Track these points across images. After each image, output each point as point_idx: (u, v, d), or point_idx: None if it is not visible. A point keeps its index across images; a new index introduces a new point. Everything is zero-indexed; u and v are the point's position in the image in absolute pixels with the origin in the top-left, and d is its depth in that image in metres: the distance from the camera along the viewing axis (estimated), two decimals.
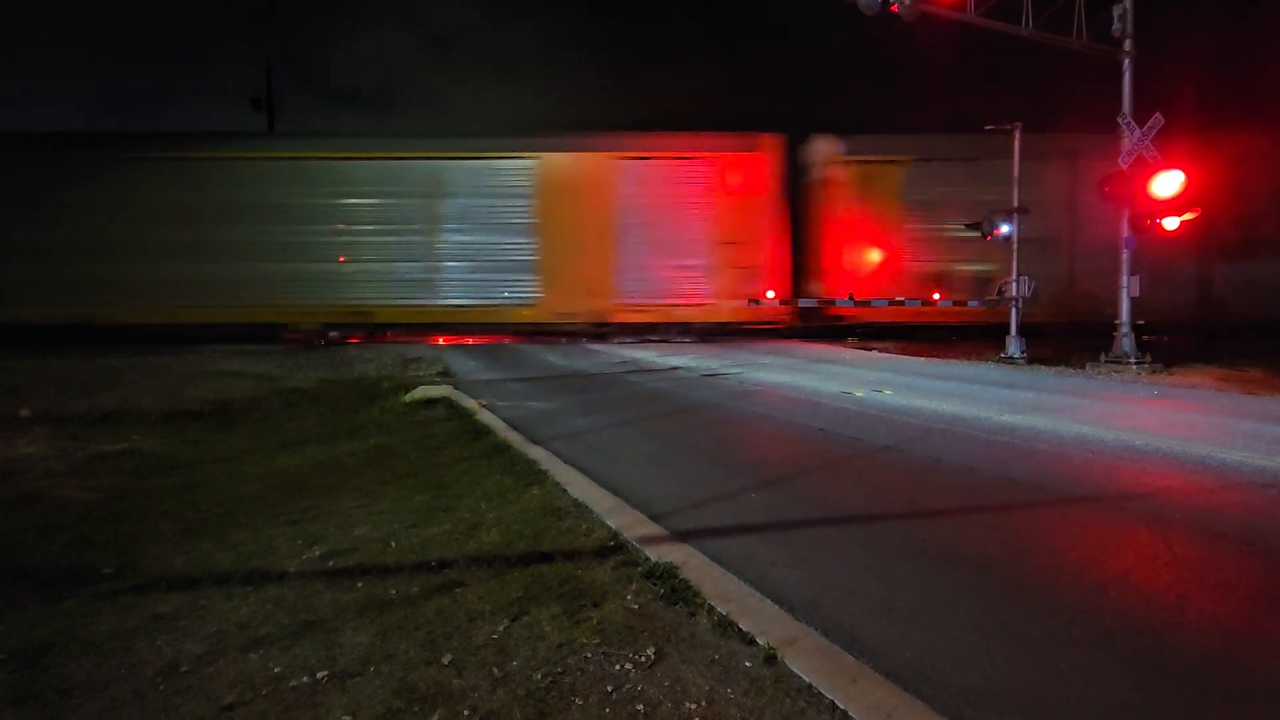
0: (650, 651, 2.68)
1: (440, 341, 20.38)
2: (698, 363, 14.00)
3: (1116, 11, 13.06)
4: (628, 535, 3.90)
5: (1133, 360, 12.72)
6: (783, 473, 5.53)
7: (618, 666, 2.59)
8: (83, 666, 2.71)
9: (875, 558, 3.68)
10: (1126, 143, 12.69)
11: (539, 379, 11.86)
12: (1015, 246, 15.69)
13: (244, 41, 72.45)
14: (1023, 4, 12.90)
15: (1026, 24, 12.97)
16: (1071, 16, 13.07)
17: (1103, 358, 13.14)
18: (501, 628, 2.89)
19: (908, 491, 4.96)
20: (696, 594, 3.12)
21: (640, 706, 2.34)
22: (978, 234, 16.21)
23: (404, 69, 72.63)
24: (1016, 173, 15.80)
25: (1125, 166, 12.63)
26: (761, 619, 2.90)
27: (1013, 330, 15.27)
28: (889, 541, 3.92)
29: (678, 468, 5.74)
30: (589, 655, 2.67)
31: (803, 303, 20.40)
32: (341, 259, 20.67)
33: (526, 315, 20.92)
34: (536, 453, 5.98)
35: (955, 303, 19.46)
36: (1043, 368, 13.31)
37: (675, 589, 3.18)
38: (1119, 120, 12.86)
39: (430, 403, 8.91)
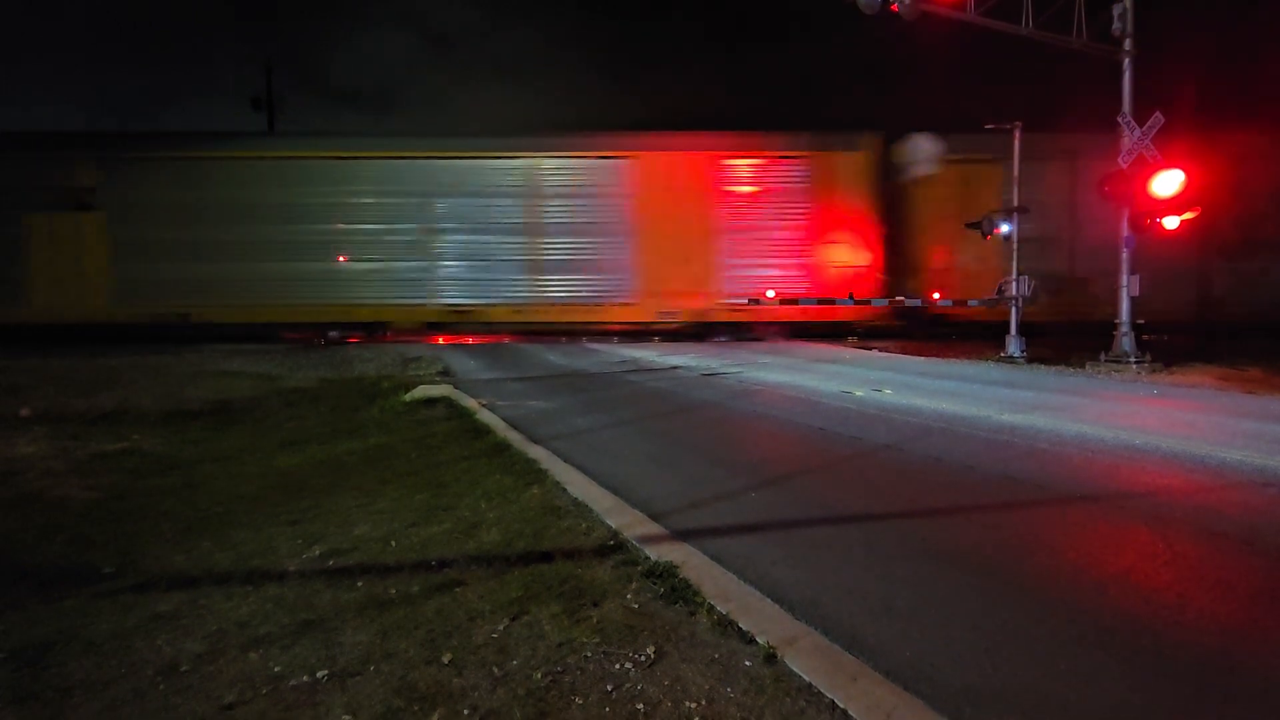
0: (650, 650, 2.68)
1: (440, 340, 20.43)
2: (698, 362, 14.00)
3: (1116, 11, 13.06)
4: (628, 534, 3.89)
5: (1133, 359, 12.72)
6: (783, 472, 5.53)
7: (618, 665, 2.59)
8: (83, 666, 2.71)
9: (875, 557, 3.68)
10: (1126, 142, 12.69)
11: (539, 378, 11.86)
12: (1015, 246, 15.70)
13: (244, 41, 72.47)
14: (1023, 3, 12.89)
15: (1026, 23, 12.97)
16: (1071, 16, 13.07)
17: (1103, 357, 13.14)
18: (501, 627, 2.90)
19: (908, 491, 4.96)
20: (696, 593, 3.12)
21: (640, 705, 2.34)
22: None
23: (404, 69, 72.69)
24: (1017, 172, 15.80)
25: (1125, 166, 12.63)
26: (761, 618, 2.90)
27: (1012, 329, 15.27)
28: (889, 540, 3.92)
29: (678, 467, 5.74)
30: (589, 654, 2.67)
31: (909, 302, 20.00)
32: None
33: (626, 315, 20.96)
34: (536, 452, 5.98)
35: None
36: (1042, 367, 13.31)
37: (675, 588, 3.18)
38: (1119, 120, 12.86)
39: (430, 402, 8.91)
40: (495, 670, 2.57)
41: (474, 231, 20.79)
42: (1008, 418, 7.59)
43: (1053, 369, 13.00)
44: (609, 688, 2.45)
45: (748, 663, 2.58)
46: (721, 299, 20.63)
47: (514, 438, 6.57)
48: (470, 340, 20.50)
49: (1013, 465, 5.60)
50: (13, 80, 63.28)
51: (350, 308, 20.63)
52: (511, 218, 20.77)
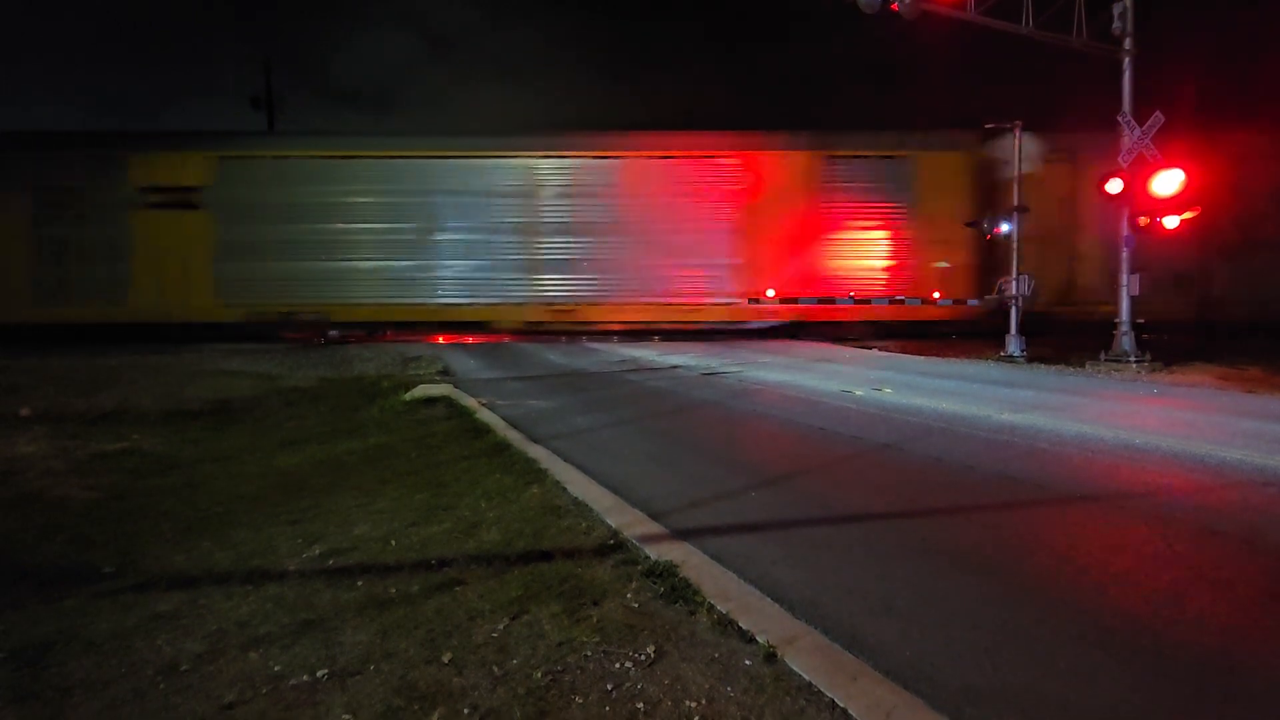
0: (650, 650, 2.68)
1: (440, 340, 20.46)
2: (697, 361, 14.00)
3: (1116, 10, 13.06)
4: (628, 534, 3.89)
5: (1133, 359, 12.72)
6: (782, 471, 5.53)
7: (618, 665, 2.59)
8: (83, 665, 2.71)
9: (875, 556, 3.68)
10: (1126, 141, 12.69)
11: (538, 377, 11.86)
12: (1016, 245, 15.69)
13: (244, 41, 72.43)
14: (1023, 3, 12.89)
15: (1027, 23, 12.96)
16: (1071, 15, 13.06)
17: (1103, 356, 13.14)
18: (501, 626, 2.89)
19: (908, 490, 4.96)
20: (696, 592, 3.12)
21: (640, 705, 2.34)
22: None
23: (404, 69, 72.65)
24: (1018, 171, 15.79)
25: (1125, 165, 12.62)
26: (761, 617, 2.90)
27: (1012, 329, 15.27)
28: (889, 540, 3.92)
29: (677, 466, 5.74)
30: (589, 653, 2.67)
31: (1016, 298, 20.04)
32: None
33: (730, 314, 21.05)
34: (536, 451, 5.98)
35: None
36: (1042, 366, 13.31)
37: (675, 587, 3.18)
38: (1119, 119, 12.86)
39: (430, 401, 8.91)
40: (495, 669, 2.57)
41: (577, 233, 20.98)
42: (1008, 417, 7.59)
43: (1053, 368, 13.00)
44: (609, 687, 2.45)
45: (748, 662, 2.58)
46: (826, 298, 20.74)
47: (514, 437, 6.57)
48: (470, 340, 20.52)
49: (1013, 465, 5.60)
50: (13, 80, 63.28)
51: (453, 308, 20.83)
52: (600, 217, 20.97)
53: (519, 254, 20.94)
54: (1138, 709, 2.34)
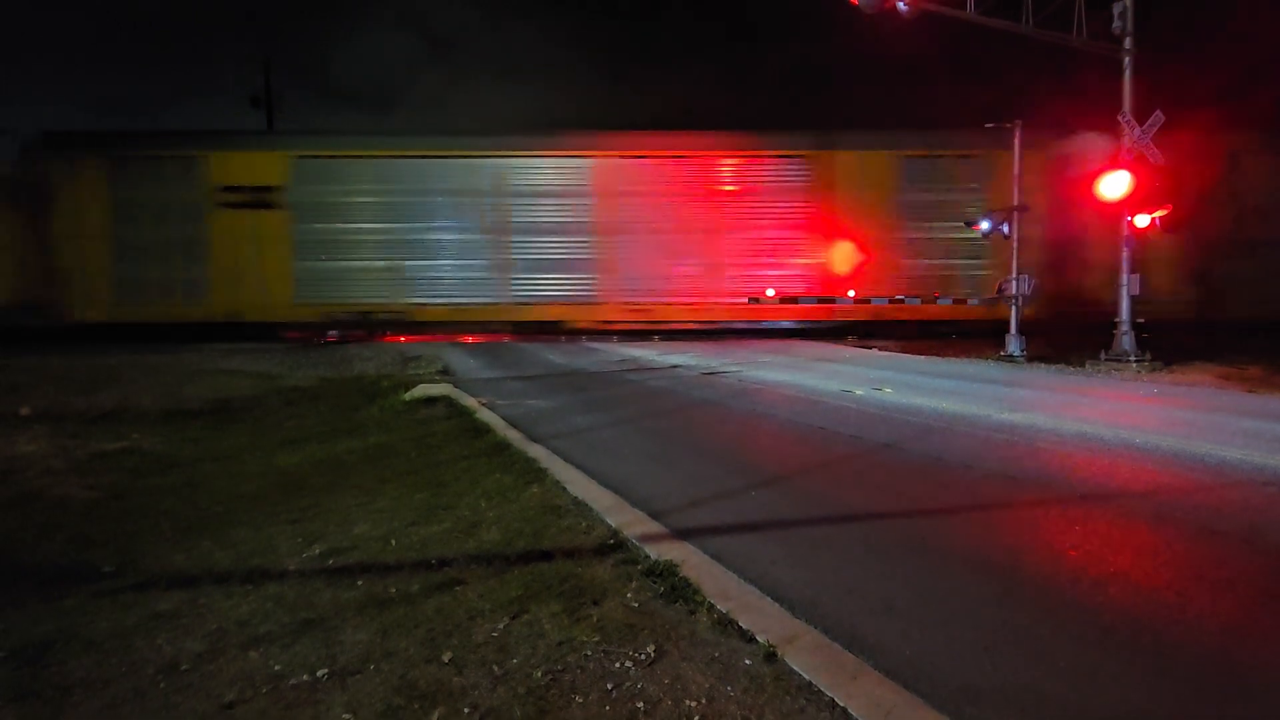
0: (650, 649, 2.68)
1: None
2: (698, 361, 14.00)
3: (1117, 9, 13.04)
4: (628, 533, 3.89)
5: (1133, 358, 12.72)
6: (782, 471, 5.53)
7: (618, 664, 2.59)
8: (83, 664, 2.71)
9: (875, 556, 3.68)
10: (1127, 140, 12.69)
11: (538, 377, 11.86)
12: (1015, 245, 15.69)
13: (244, 41, 72.44)
14: (1023, 2, 12.88)
15: (1026, 21, 12.95)
16: (1072, 15, 13.05)
17: (1103, 355, 13.14)
18: (501, 625, 2.89)
19: (908, 490, 4.96)
20: (696, 592, 3.12)
21: (640, 704, 2.34)
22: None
23: (405, 68, 72.62)
24: (1018, 170, 15.78)
25: (1111, 165, 12.65)
26: (761, 617, 2.90)
27: (1012, 328, 15.26)
28: (889, 539, 3.92)
29: (677, 466, 5.74)
30: (589, 653, 2.67)
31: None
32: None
33: (799, 313, 21.16)
34: (536, 451, 5.98)
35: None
36: (1042, 365, 13.31)
37: (675, 587, 3.18)
38: (1119, 118, 12.85)
39: (430, 401, 8.91)
40: (495, 669, 2.57)
41: (652, 231, 21.07)
42: (1008, 417, 7.59)
43: (1053, 368, 12.99)
44: (609, 686, 2.45)
45: (748, 661, 2.58)
46: (903, 297, 20.81)
47: (514, 437, 6.57)
48: (470, 339, 20.52)
49: (1013, 464, 5.60)
50: (13, 80, 63.27)
51: (527, 307, 20.92)
52: (686, 216, 21.04)
53: (591, 254, 21.01)
54: (1138, 708, 2.34)
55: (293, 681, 2.53)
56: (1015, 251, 15.68)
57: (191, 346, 17.91)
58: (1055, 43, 13.24)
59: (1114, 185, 12.16)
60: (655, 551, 3.59)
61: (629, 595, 3.15)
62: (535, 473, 5.25)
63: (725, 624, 2.85)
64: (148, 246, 20.18)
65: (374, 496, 4.92)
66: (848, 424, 7.34)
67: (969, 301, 20.66)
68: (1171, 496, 4.71)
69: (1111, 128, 13.64)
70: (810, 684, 2.41)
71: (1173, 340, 16.04)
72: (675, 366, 13.11)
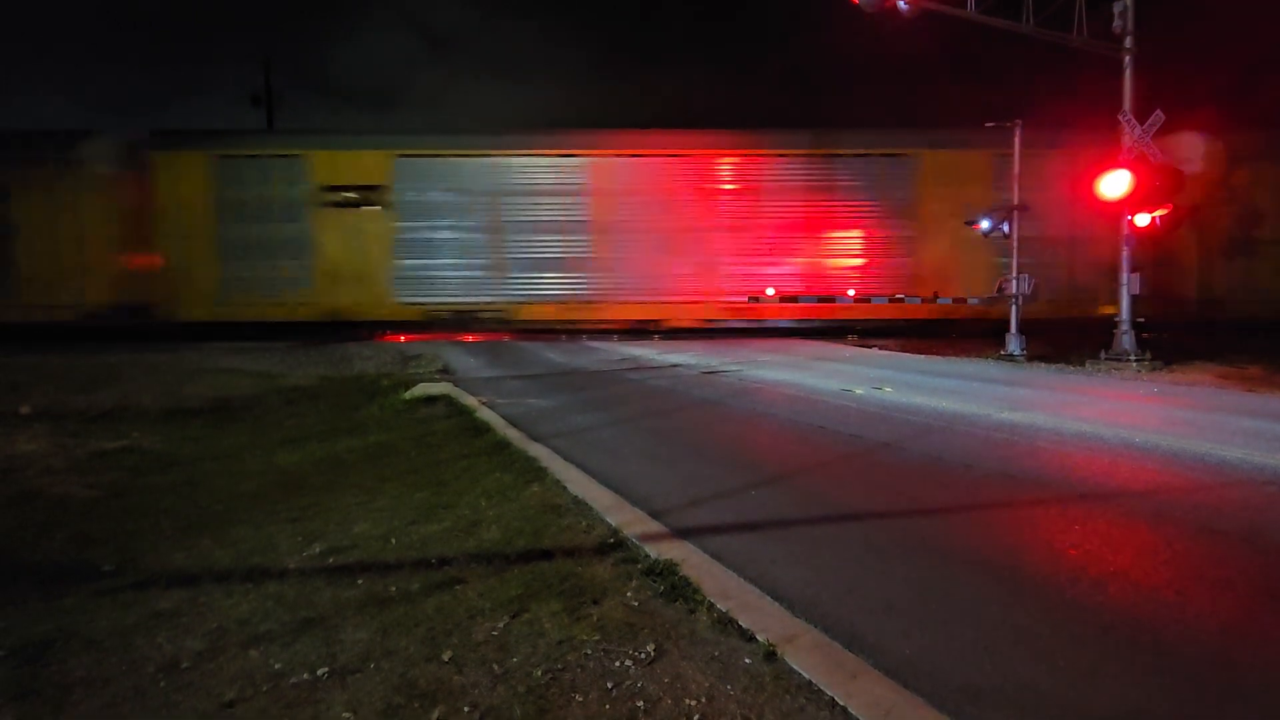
0: (650, 648, 2.68)
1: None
2: (698, 360, 14.00)
3: (1117, 9, 13.03)
4: (627, 532, 3.90)
5: (1133, 357, 12.72)
6: (782, 470, 5.53)
7: (618, 663, 2.59)
8: (83, 663, 2.71)
9: (875, 555, 3.68)
10: (1127, 139, 12.68)
11: (539, 376, 11.85)
12: (1015, 244, 15.68)
13: (244, 40, 72.41)
14: (1023, 1, 12.87)
15: (1027, 21, 12.94)
16: (1072, 14, 13.04)
17: (1103, 355, 13.13)
18: (502, 624, 2.90)
19: (908, 489, 4.96)
20: (696, 591, 3.12)
21: (640, 703, 2.34)
22: None
23: (405, 67, 72.59)
24: (1017, 169, 15.78)
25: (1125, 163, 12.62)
26: (761, 616, 2.90)
27: (1013, 328, 15.26)
28: (889, 539, 3.93)
29: (677, 465, 5.74)
30: (589, 652, 2.67)
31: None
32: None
33: (906, 311, 21.19)
34: (536, 450, 5.98)
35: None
36: (1042, 365, 13.30)
37: (675, 586, 3.18)
38: (1120, 117, 12.85)
39: (430, 400, 8.90)
40: (495, 668, 2.57)
41: (743, 230, 21.09)
42: (1008, 416, 7.59)
43: (1053, 367, 12.99)
44: (609, 685, 2.45)
45: (748, 660, 2.58)
46: (1000, 295, 20.81)
47: (513, 435, 6.57)
48: (470, 338, 20.53)
49: (1013, 464, 5.60)
50: (13, 80, 63.25)
51: (629, 305, 20.93)
52: (787, 214, 21.06)
53: (698, 252, 20.95)
54: (1137, 707, 2.34)
55: (293, 680, 2.53)
56: (1015, 251, 15.67)
57: (192, 346, 17.91)
58: (1055, 42, 13.22)
59: (1114, 185, 12.15)
60: (655, 550, 3.59)
61: (629, 594, 3.15)
62: (535, 472, 5.25)
63: (725, 623, 2.85)
64: (251, 246, 20.21)
65: (374, 495, 4.92)
66: (848, 423, 7.34)
67: (969, 301, 20.69)
68: (1171, 496, 4.72)
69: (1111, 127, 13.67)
70: (810, 683, 2.42)
71: (1173, 340, 16.06)
72: (675, 366, 13.11)
